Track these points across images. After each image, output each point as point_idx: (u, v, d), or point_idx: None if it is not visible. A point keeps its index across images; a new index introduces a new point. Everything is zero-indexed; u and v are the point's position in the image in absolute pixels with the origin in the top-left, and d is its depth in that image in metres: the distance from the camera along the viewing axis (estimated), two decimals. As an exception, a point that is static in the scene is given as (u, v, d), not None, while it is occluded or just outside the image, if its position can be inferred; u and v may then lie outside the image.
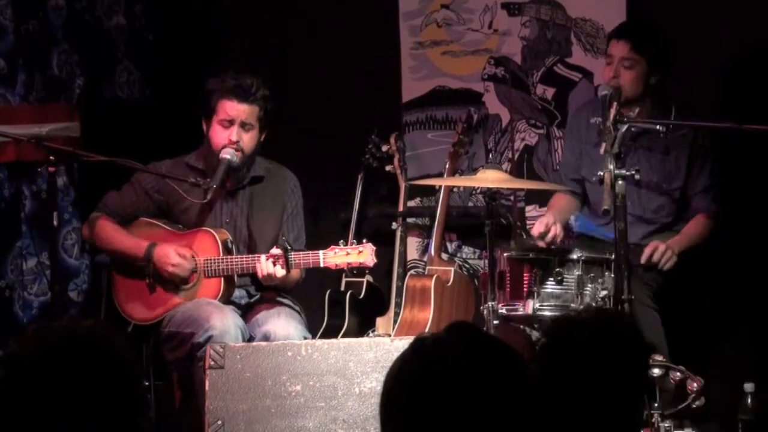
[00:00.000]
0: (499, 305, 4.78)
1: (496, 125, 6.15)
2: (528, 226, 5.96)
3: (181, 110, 5.64)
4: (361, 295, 5.80)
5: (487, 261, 4.92)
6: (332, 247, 4.85)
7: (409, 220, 6.09)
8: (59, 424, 2.03)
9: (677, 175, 5.23)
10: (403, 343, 4.22)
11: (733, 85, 5.64)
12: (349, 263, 4.85)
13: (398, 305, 5.65)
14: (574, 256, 4.80)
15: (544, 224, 4.99)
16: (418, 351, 2.11)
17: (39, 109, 5.88)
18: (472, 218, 6.07)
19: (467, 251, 6.23)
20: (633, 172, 4.53)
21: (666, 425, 4.47)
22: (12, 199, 5.82)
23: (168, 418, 5.23)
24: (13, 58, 5.80)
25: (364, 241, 4.90)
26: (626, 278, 4.52)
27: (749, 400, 4.48)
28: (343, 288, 5.85)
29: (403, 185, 5.95)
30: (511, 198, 6.10)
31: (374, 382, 4.35)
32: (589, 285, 4.78)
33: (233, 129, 5.00)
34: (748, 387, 4.49)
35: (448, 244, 6.19)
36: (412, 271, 5.96)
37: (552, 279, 4.78)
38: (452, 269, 5.73)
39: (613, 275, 4.69)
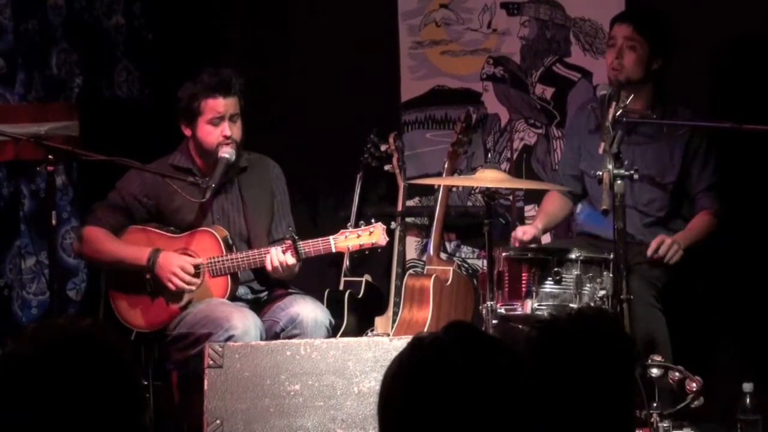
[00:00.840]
0: (498, 305, 4.79)
1: (495, 125, 6.16)
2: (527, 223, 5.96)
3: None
4: (360, 295, 5.80)
5: (485, 261, 4.92)
6: (342, 231, 4.84)
7: (408, 219, 6.09)
8: (59, 424, 2.03)
9: (671, 169, 5.23)
10: (402, 342, 4.21)
11: (730, 79, 5.64)
12: (361, 245, 4.83)
13: (397, 305, 5.65)
14: (573, 256, 4.80)
15: (529, 236, 5.06)
16: (416, 350, 2.11)
17: (38, 108, 5.88)
18: (471, 218, 6.07)
19: (466, 251, 6.23)
20: (632, 171, 4.54)
21: (665, 425, 4.47)
22: (11, 198, 5.82)
23: (167, 417, 5.23)
24: (13, 57, 5.80)
25: (373, 221, 4.89)
26: (625, 278, 4.52)
27: (748, 400, 4.48)
28: (341, 287, 5.85)
29: (401, 185, 5.94)
30: (510, 198, 6.10)
31: (373, 382, 4.35)
32: (588, 285, 4.78)
33: (224, 125, 5.00)
34: (747, 387, 4.49)
35: (446, 244, 6.19)
36: (410, 271, 5.96)
37: (550, 279, 4.78)
38: (451, 269, 5.72)
39: (611, 275, 4.69)
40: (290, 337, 4.85)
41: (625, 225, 4.58)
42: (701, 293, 5.19)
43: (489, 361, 2.08)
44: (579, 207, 5.43)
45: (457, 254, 6.23)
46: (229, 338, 4.69)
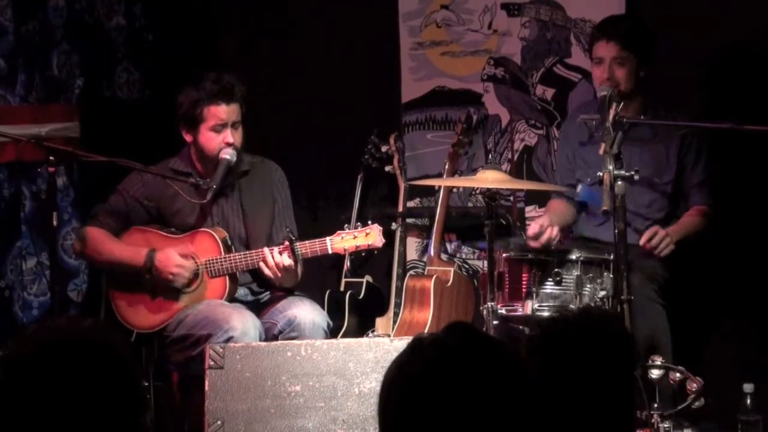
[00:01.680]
0: (498, 306, 4.79)
1: (496, 126, 6.16)
2: (527, 227, 5.96)
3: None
4: (361, 296, 5.80)
5: (486, 261, 4.92)
6: (338, 232, 4.84)
7: (409, 220, 6.09)
8: (59, 425, 2.03)
9: (668, 169, 5.25)
10: (403, 343, 4.20)
11: (726, 81, 5.64)
12: (357, 246, 4.82)
13: (398, 305, 5.65)
14: (573, 257, 4.80)
15: (539, 225, 4.98)
16: (416, 351, 2.11)
17: (39, 109, 5.88)
18: (471, 219, 6.07)
19: (467, 252, 6.23)
20: (632, 172, 4.54)
21: (665, 425, 4.47)
22: (12, 199, 5.82)
23: (168, 418, 5.23)
24: (13, 58, 5.80)
25: (369, 222, 4.89)
26: (625, 279, 4.52)
27: (749, 401, 4.48)
28: (342, 288, 5.85)
29: (402, 186, 5.95)
30: (511, 198, 6.10)
31: (374, 383, 4.35)
32: (588, 285, 4.78)
33: (226, 132, 5.00)
34: (748, 387, 4.49)
35: (447, 245, 6.19)
36: (411, 272, 5.97)
37: (551, 279, 4.78)
38: (452, 270, 5.73)
39: (611, 276, 4.70)
40: (288, 340, 4.85)
41: (626, 226, 4.57)
42: (701, 294, 5.20)
43: (489, 361, 2.08)
44: (579, 187, 5.41)
45: (458, 255, 6.23)
46: (229, 339, 4.69)
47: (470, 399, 2.04)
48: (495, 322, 4.75)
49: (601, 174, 4.58)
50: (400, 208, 5.93)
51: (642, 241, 4.97)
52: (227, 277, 4.98)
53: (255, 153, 5.24)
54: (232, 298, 5.02)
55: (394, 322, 5.63)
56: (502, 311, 4.79)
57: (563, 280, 4.78)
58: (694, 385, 4.49)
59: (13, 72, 5.81)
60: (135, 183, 5.13)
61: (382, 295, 5.85)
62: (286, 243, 4.84)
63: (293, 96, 6.36)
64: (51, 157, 4.79)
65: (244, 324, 4.78)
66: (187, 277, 4.96)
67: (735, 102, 5.56)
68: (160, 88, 6.24)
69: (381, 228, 4.86)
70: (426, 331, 5.15)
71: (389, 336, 5.48)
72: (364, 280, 5.87)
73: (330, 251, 4.85)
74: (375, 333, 5.65)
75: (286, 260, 4.83)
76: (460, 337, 2.11)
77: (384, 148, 6.02)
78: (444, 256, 6.02)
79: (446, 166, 5.87)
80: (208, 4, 6.51)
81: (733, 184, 5.39)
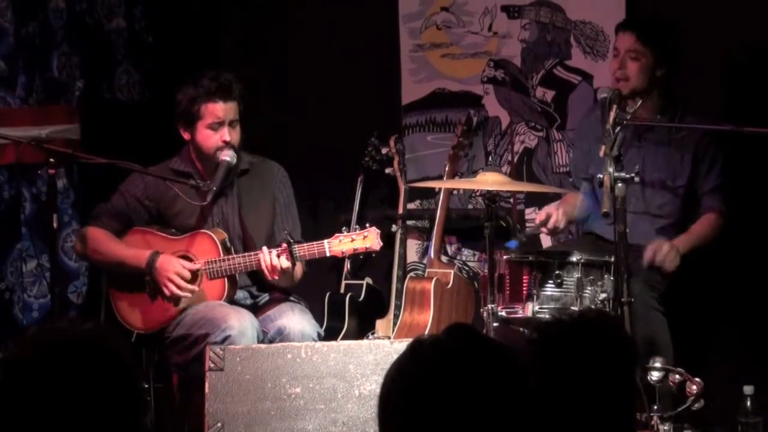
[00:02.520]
0: (499, 308, 4.79)
1: (496, 128, 6.16)
2: (527, 229, 5.96)
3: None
4: (361, 298, 5.80)
5: (486, 263, 4.92)
6: (336, 235, 4.84)
7: (409, 222, 6.09)
8: (60, 427, 2.04)
9: (682, 172, 5.23)
10: (403, 345, 4.20)
11: (735, 85, 5.63)
12: (355, 249, 4.82)
13: (398, 307, 5.65)
14: (574, 259, 4.80)
15: (545, 212, 5.01)
16: (416, 353, 2.11)
17: (39, 111, 5.88)
18: (471, 221, 6.07)
19: (467, 254, 6.23)
20: (633, 174, 4.53)
21: (665, 428, 4.47)
22: (12, 201, 5.82)
23: (168, 420, 5.23)
24: (13, 60, 5.80)
25: (367, 225, 4.89)
26: (626, 281, 4.52)
27: (749, 403, 4.48)
28: (342, 290, 5.85)
29: (402, 187, 5.95)
30: (511, 200, 6.10)
31: (374, 385, 4.34)
32: (589, 288, 4.78)
33: (224, 130, 5.00)
34: (748, 389, 4.49)
35: (447, 247, 6.19)
36: (411, 274, 5.96)
37: (551, 281, 4.78)
38: (452, 272, 5.73)
39: (612, 278, 4.70)
40: None
41: (626, 228, 4.57)
42: (702, 296, 5.19)
43: (490, 363, 2.08)
44: (583, 187, 5.40)
45: (458, 257, 6.23)
46: (226, 338, 4.70)
47: (470, 401, 2.04)
48: (495, 324, 4.75)
49: (601, 176, 4.57)
50: (401, 210, 5.93)
51: (645, 259, 4.95)
52: (226, 279, 4.98)
53: (255, 154, 5.24)
54: (231, 300, 5.02)
55: (395, 324, 5.63)
56: (503, 313, 4.79)
57: (564, 282, 4.78)
58: (694, 387, 4.49)
59: (13, 74, 5.81)
60: (136, 184, 5.13)
61: (382, 297, 5.85)
62: (284, 245, 4.84)
63: (293, 98, 6.36)
64: (51, 159, 4.79)
65: (241, 323, 4.78)
66: (179, 290, 4.94)
67: (740, 104, 5.56)
68: (160, 89, 6.23)
69: (379, 231, 4.86)
70: (426, 333, 5.15)
71: (389, 338, 5.48)
72: (364, 282, 5.87)
73: (328, 254, 4.85)
74: (375, 335, 5.65)
75: (284, 262, 4.84)
76: (461, 339, 2.11)
77: (384, 150, 6.03)
78: (444, 258, 6.03)
79: (446, 168, 5.87)
80: (208, 6, 6.51)
81: (735, 186, 5.38)
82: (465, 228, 6.16)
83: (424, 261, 6.02)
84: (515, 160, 6.11)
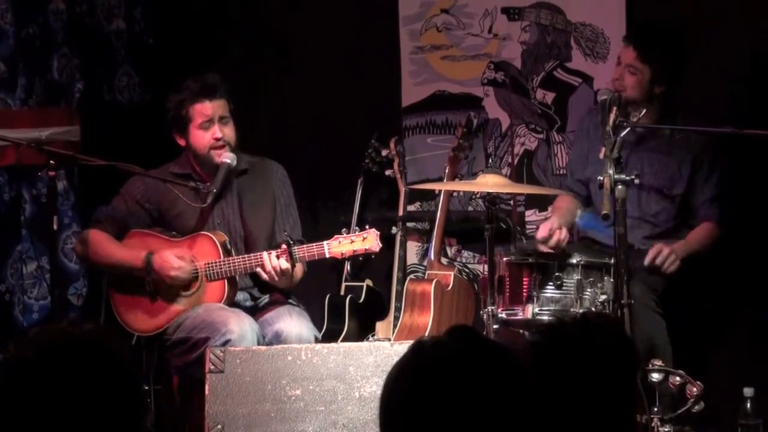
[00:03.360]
0: (499, 309, 4.79)
1: (496, 130, 6.16)
2: (527, 231, 5.96)
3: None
4: (361, 300, 5.80)
5: (486, 265, 4.91)
6: (336, 236, 4.85)
7: (409, 224, 6.08)
8: (60, 428, 2.03)
9: (679, 180, 5.23)
10: (403, 347, 4.22)
11: (737, 90, 5.63)
12: (354, 250, 4.83)
13: (398, 309, 5.65)
14: (574, 261, 4.80)
15: (547, 229, 4.97)
16: (417, 355, 2.11)
17: (39, 113, 5.88)
18: (471, 223, 6.07)
19: (467, 255, 6.23)
20: (633, 176, 4.53)
21: (666, 429, 4.47)
22: (12, 203, 5.82)
23: (168, 422, 5.23)
24: (14, 62, 5.80)
25: (367, 227, 4.89)
26: (626, 283, 4.52)
27: (749, 405, 4.48)
28: (342, 292, 5.85)
29: (402, 189, 5.95)
30: (511, 202, 6.10)
31: (374, 387, 4.35)
32: (589, 289, 4.78)
33: (214, 127, 5.03)
34: (748, 391, 4.49)
35: (447, 249, 6.19)
36: (411, 276, 5.96)
37: (551, 283, 4.78)
38: (452, 273, 5.73)
39: (612, 280, 4.69)
40: None
41: (626, 230, 4.57)
42: (701, 297, 5.19)
43: (491, 365, 2.08)
44: (578, 214, 5.42)
45: (458, 259, 6.23)
46: (226, 342, 4.70)
47: (471, 403, 2.04)
48: (495, 326, 4.75)
49: (601, 178, 4.57)
50: (401, 212, 5.93)
51: (646, 263, 4.96)
52: (226, 281, 4.98)
53: (254, 154, 5.24)
54: (231, 302, 5.02)
55: (395, 326, 5.63)
56: (503, 315, 4.79)
57: (564, 284, 4.78)
58: (694, 389, 4.49)
59: (13, 76, 5.81)
60: (137, 186, 5.14)
61: (382, 299, 5.85)
62: (284, 247, 4.84)
63: (294, 100, 6.36)
64: (51, 161, 4.79)
65: (241, 327, 4.79)
66: (185, 278, 4.97)
67: (738, 110, 5.56)
68: (160, 91, 6.21)
69: (378, 232, 4.86)
70: (426, 335, 5.14)
71: (389, 340, 5.48)
72: (365, 284, 5.87)
73: (327, 255, 4.86)
74: (375, 337, 5.65)
75: (283, 264, 4.84)
76: (462, 341, 2.11)
77: (384, 152, 6.02)
78: (444, 260, 6.03)
79: (446, 170, 5.87)
80: (208, 7, 6.51)
81: (734, 190, 5.38)
82: (465, 230, 6.16)
83: (425, 263, 6.02)
84: (515, 162, 6.11)
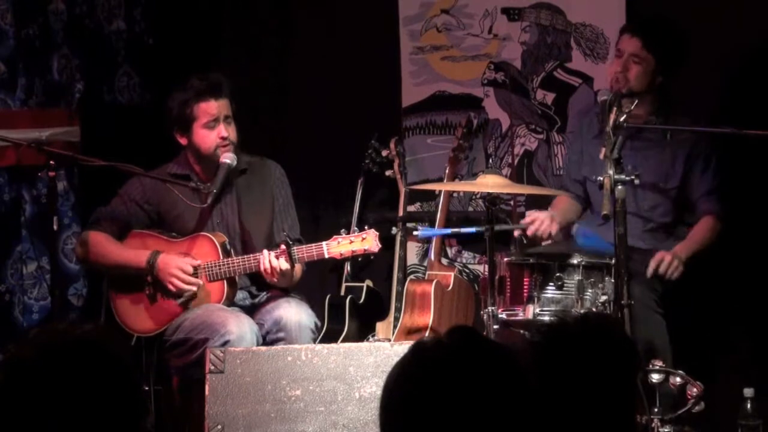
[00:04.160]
0: (499, 310, 4.78)
1: (496, 130, 6.15)
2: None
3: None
4: (361, 300, 5.80)
5: (486, 266, 4.91)
6: (335, 237, 4.85)
7: (409, 225, 6.08)
8: (59, 428, 2.03)
9: (674, 175, 5.23)
10: (403, 347, 4.22)
11: (734, 86, 5.63)
12: (353, 251, 4.84)
13: (398, 310, 5.65)
14: (575, 261, 4.80)
15: (532, 218, 5.02)
16: (418, 354, 2.11)
17: (39, 113, 5.88)
18: (472, 223, 6.06)
19: (467, 256, 6.23)
20: (633, 177, 4.53)
21: (666, 430, 4.47)
22: (12, 203, 5.82)
23: (168, 422, 5.23)
24: (14, 62, 5.80)
25: (366, 227, 4.90)
26: (626, 283, 4.52)
27: (749, 405, 4.48)
28: (342, 293, 5.85)
29: (403, 190, 5.95)
30: (511, 203, 6.10)
31: (374, 387, 4.35)
32: (590, 290, 4.78)
33: (220, 127, 5.03)
34: (748, 392, 4.49)
35: (448, 249, 6.19)
36: (412, 276, 5.96)
37: (552, 284, 4.78)
38: (452, 274, 5.73)
39: (613, 280, 4.69)
40: (275, 341, 4.89)
41: (626, 230, 4.56)
42: (702, 298, 5.19)
43: (491, 365, 2.08)
44: (574, 228, 5.43)
45: (458, 259, 6.22)
46: (225, 343, 4.71)
47: (472, 403, 2.04)
48: (496, 327, 4.74)
49: (601, 178, 4.57)
50: (401, 213, 5.93)
51: (648, 274, 4.96)
52: (225, 282, 4.98)
53: (253, 154, 5.24)
54: (231, 303, 5.02)
55: (395, 326, 5.63)
56: (503, 316, 4.79)
57: (565, 284, 4.78)
58: (695, 389, 4.49)
59: (13, 76, 5.80)
60: (136, 187, 5.14)
61: (382, 300, 5.85)
62: (283, 247, 4.85)
63: (294, 100, 6.36)
64: (51, 162, 4.79)
65: (240, 328, 4.79)
66: (185, 284, 4.95)
67: (734, 106, 5.56)
68: (160, 92, 6.22)
69: (377, 233, 4.87)
70: (426, 335, 5.14)
71: (390, 340, 5.48)
72: (365, 285, 5.87)
73: (326, 255, 4.86)
74: (375, 337, 5.65)
75: (283, 264, 4.85)
76: (462, 342, 2.11)
77: (384, 153, 6.03)
78: (444, 261, 6.02)
79: (446, 171, 5.87)
80: (208, 7, 6.51)
81: (733, 189, 5.38)
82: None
83: (425, 263, 6.02)
84: (515, 162, 6.11)
